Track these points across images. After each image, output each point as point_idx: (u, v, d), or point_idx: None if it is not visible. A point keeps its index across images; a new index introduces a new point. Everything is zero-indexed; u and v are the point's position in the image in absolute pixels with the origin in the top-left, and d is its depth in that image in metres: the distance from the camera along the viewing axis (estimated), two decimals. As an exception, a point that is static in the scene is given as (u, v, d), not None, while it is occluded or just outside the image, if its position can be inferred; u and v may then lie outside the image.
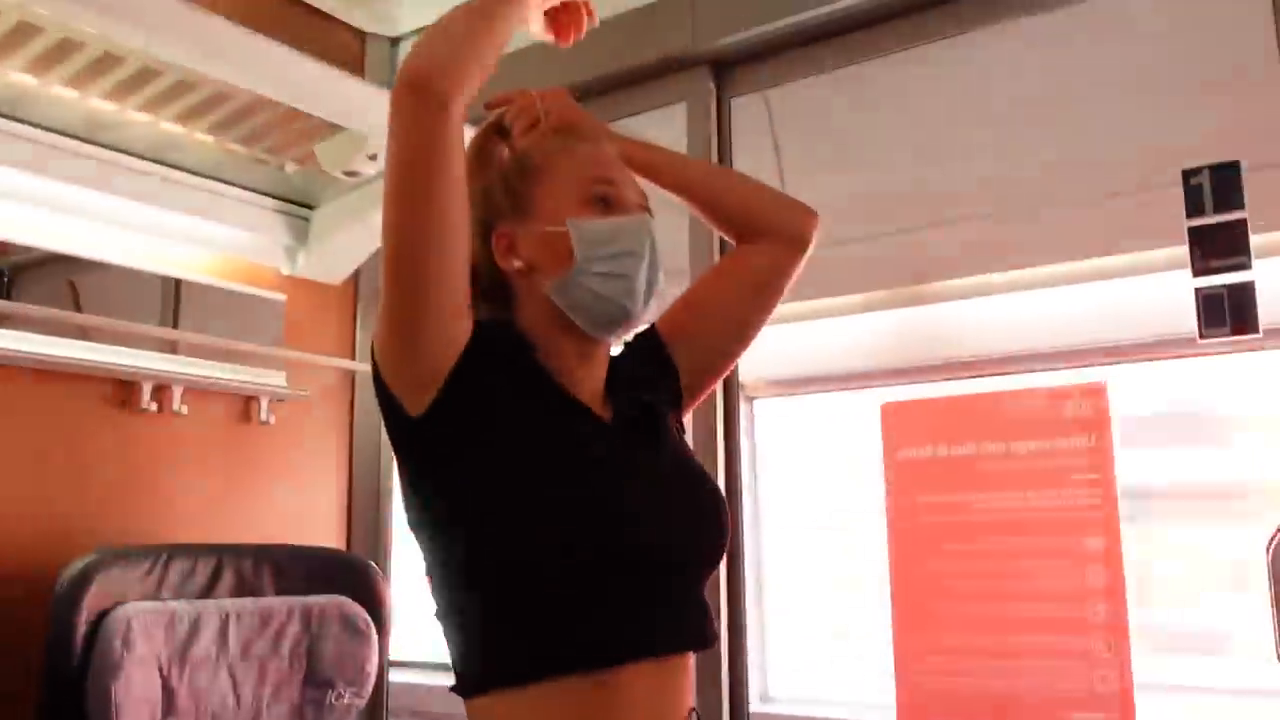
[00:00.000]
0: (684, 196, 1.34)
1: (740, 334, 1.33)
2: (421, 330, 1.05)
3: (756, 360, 2.29)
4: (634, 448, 1.15)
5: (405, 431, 1.08)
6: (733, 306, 1.31)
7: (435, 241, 1.03)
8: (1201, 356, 1.90)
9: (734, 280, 1.33)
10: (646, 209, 1.20)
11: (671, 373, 1.28)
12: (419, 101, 1.02)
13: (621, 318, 1.15)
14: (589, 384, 1.17)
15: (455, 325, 1.06)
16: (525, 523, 1.03)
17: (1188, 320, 1.76)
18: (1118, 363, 1.97)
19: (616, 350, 1.28)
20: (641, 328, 1.29)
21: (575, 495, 1.04)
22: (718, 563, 1.20)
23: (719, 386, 2.18)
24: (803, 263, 1.33)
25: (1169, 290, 1.85)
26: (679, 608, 1.10)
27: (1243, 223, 1.75)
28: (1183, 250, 1.79)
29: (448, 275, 1.05)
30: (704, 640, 1.12)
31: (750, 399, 2.40)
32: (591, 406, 1.15)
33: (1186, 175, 1.80)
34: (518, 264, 1.16)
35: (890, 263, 2.20)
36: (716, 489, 1.20)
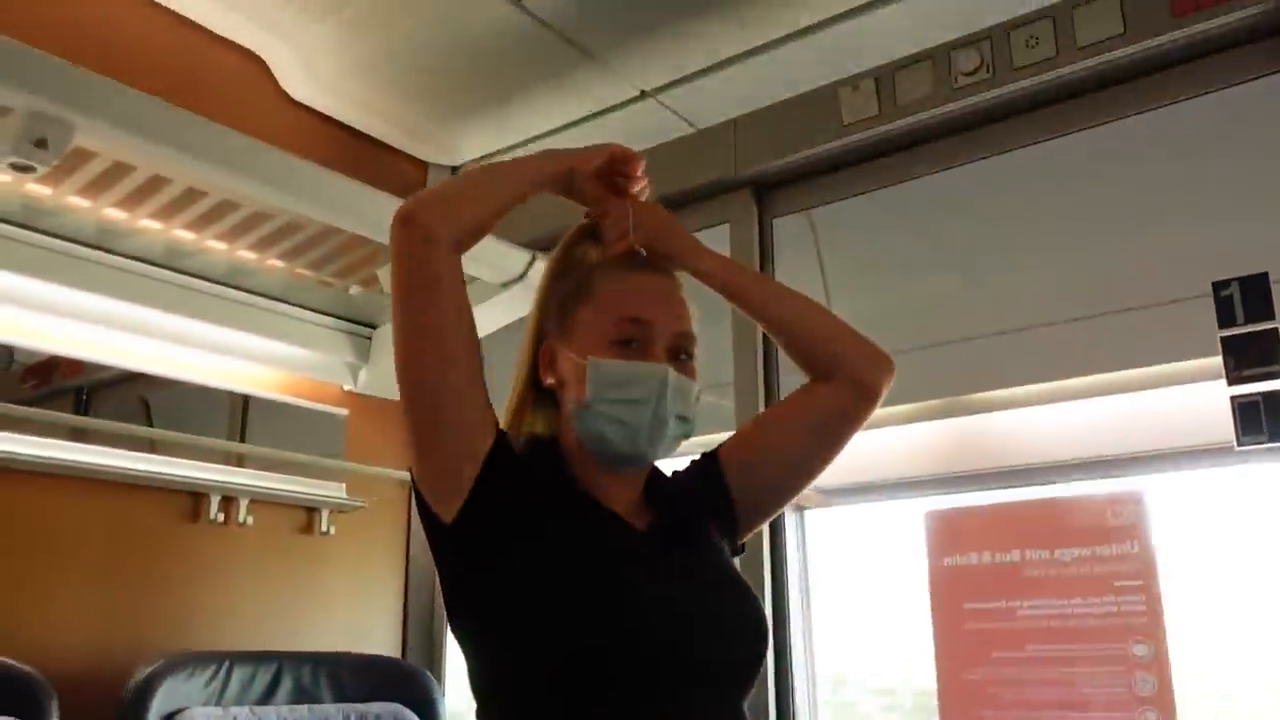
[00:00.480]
0: (764, 325, 1.34)
1: (796, 475, 1.32)
2: (438, 445, 1.13)
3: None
4: (663, 554, 1.16)
5: (439, 538, 1.15)
6: (793, 447, 1.30)
7: (436, 366, 1.12)
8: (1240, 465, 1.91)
9: (800, 420, 1.31)
10: (682, 355, 1.21)
11: (724, 497, 1.28)
12: (406, 233, 1.14)
13: (621, 460, 1.19)
14: (623, 494, 1.21)
15: (471, 439, 1.13)
16: (540, 627, 1.07)
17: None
18: (1160, 471, 1.98)
19: (671, 464, 1.30)
20: (697, 452, 1.32)
21: (591, 598, 1.07)
22: (750, 677, 1.17)
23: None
24: (870, 415, 1.30)
25: (1209, 399, 1.88)
26: (701, 714, 1.09)
27: (1274, 332, 1.78)
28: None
29: (453, 395, 1.12)
30: None
31: (800, 508, 2.43)
32: (623, 515, 1.18)
33: (1217, 287, 1.85)
34: (550, 380, 1.23)
35: (932, 374, 2.25)
36: (754, 601, 1.19)
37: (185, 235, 2.04)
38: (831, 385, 1.28)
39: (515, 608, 1.09)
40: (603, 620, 1.05)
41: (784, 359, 2.33)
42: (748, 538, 1.34)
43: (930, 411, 2.27)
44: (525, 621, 1.08)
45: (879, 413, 2.42)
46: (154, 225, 1.99)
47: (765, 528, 2.26)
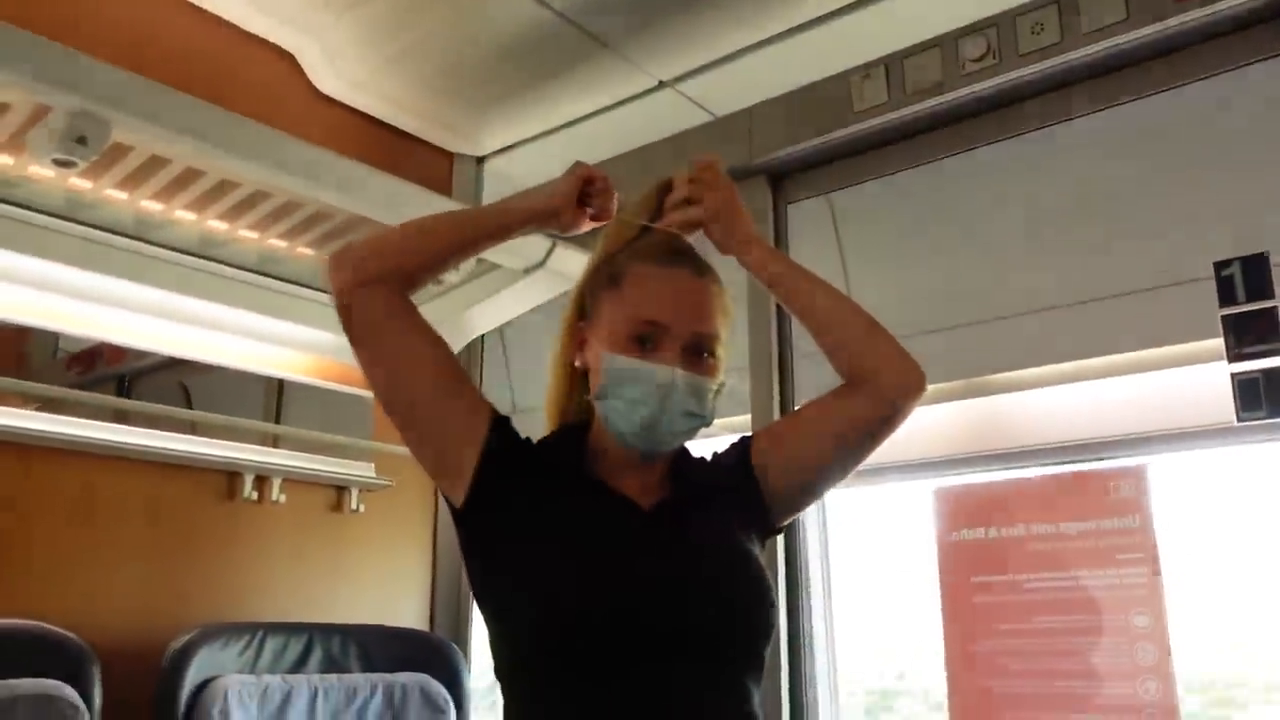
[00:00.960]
0: (805, 325, 1.33)
1: (822, 478, 1.32)
2: (429, 453, 1.23)
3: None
4: (662, 531, 1.20)
5: (457, 521, 1.23)
6: (818, 452, 1.30)
7: (400, 398, 1.22)
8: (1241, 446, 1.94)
9: (827, 427, 1.30)
10: (701, 353, 1.22)
11: (753, 485, 1.29)
12: (331, 281, 1.22)
13: (630, 446, 1.22)
14: (640, 476, 1.25)
15: (458, 444, 1.21)
16: (527, 603, 1.14)
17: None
18: (1162, 451, 2.01)
19: (711, 444, 1.35)
20: (736, 437, 1.35)
21: (571, 575, 1.12)
22: (748, 651, 1.18)
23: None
24: (890, 434, 1.29)
25: (1210, 380, 1.91)
26: (694, 693, 1.12)
27: (1273, 310, 1.82)
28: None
29: (426, 417, 1.21)
30: None
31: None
32: (634, 496, 1.23)
33: (1218, 267, 1.88)
34: (578, 363, 1.29)
35: (949, 356, 2.28)
36: (753, 574, 1.21)
37: (219, 225, 2.12)
38: (860, 397, 1.27)
39: (509, 585, 1.17)
40: (581, 595, 1.11)
41: (798, 341, 2.41)
42: (786, 522, 1.36)
43: (947, 394, 2.31)
44: (515, 598, 1.15)
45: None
46: (189, 216, 2.07)
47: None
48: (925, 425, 2.42)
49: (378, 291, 1.21)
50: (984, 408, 2.30)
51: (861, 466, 2.31)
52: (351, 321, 1.22)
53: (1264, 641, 1.88)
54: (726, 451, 1.35)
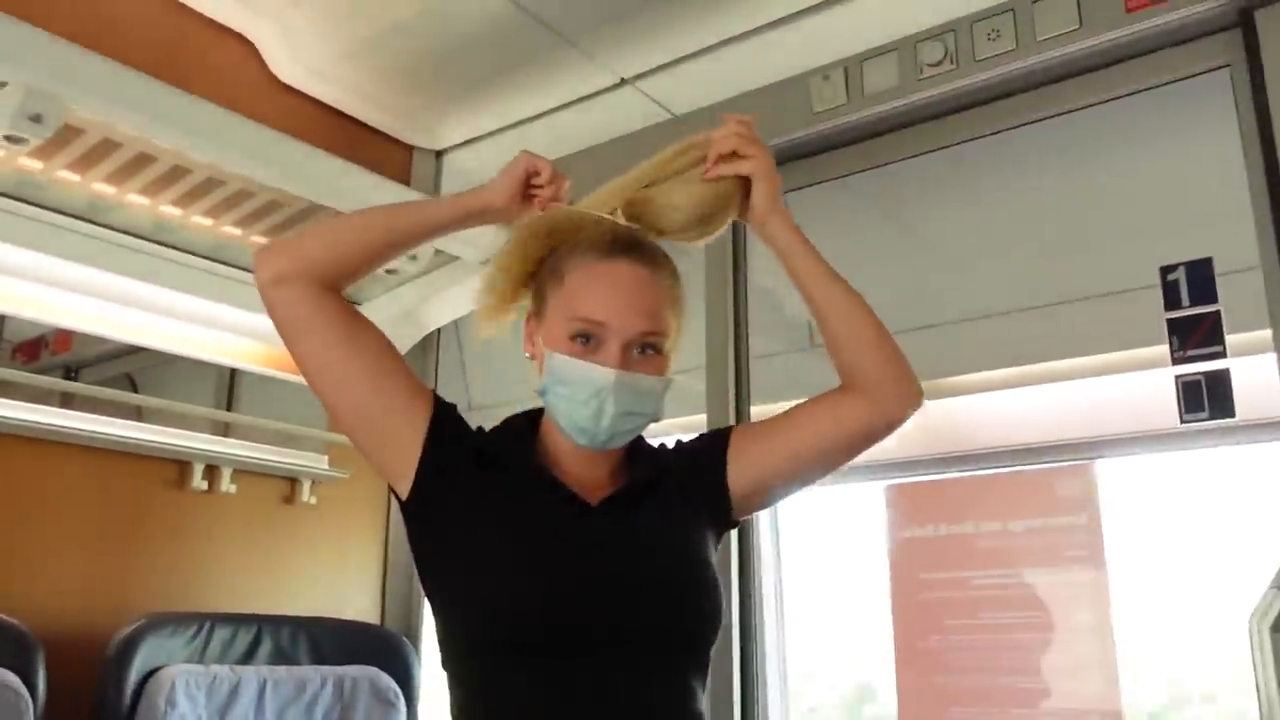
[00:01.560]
0: (814, 307, 1.28)
1: (800, 477, 1.30)
2: (365, 441, 1.23)
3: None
4: (604, 525, 1.20)
5: (405, 516, 1.23)
6: (791, 453, 1.27)
7: (331, 393, 1.22)
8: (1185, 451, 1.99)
9: (813, 425, 1.27)
10: (644, 350, 1.20)
11: (719, 479, 1.28)
12: (257, 277, 1.21)
13: (574, 440, 1.21)
14: (590, 469, 1.24)
15: (397, 438, 1.21)
16: (464, 598, 1.15)
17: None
18: (1110, 455, 2.05)
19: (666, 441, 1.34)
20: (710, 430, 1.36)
21: (504, 571, 1.13)
22: (688, 647, 1.18)
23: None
24: (871, 446, 1.27)
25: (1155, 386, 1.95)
26: (635, 689, 1.12)
27: (1217, 314, 1.86)
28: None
29: (360, 413, 1.22)
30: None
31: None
32: (580, 489, 1.22)
33: (1164, 271, 1.93)
34: (528, 352, 1.29)
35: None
36: (698, 571, 1.20)
37: (172, 210, 2.10)
38: (858, 402, 1.24)
39: (454, 579, 1.17)
40: (522, 592, 1.12)
41: (753, 343, 2.43)
42: (743, 518, 1.35)
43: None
44: (459, 593, 1.16)
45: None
46: (142, 200, 2.05)
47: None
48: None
49: (294, 288, 1.20)
50: (936, 410, 2.33)
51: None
52: (274, 318, 1.22)
53: (1207, 642, 1.93)
54: (699, 439, 1.35)
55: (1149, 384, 1.99)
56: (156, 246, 2.17)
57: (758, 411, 2.36)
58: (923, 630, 2.04)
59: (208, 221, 2.16)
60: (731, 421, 2.32)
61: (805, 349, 2.45)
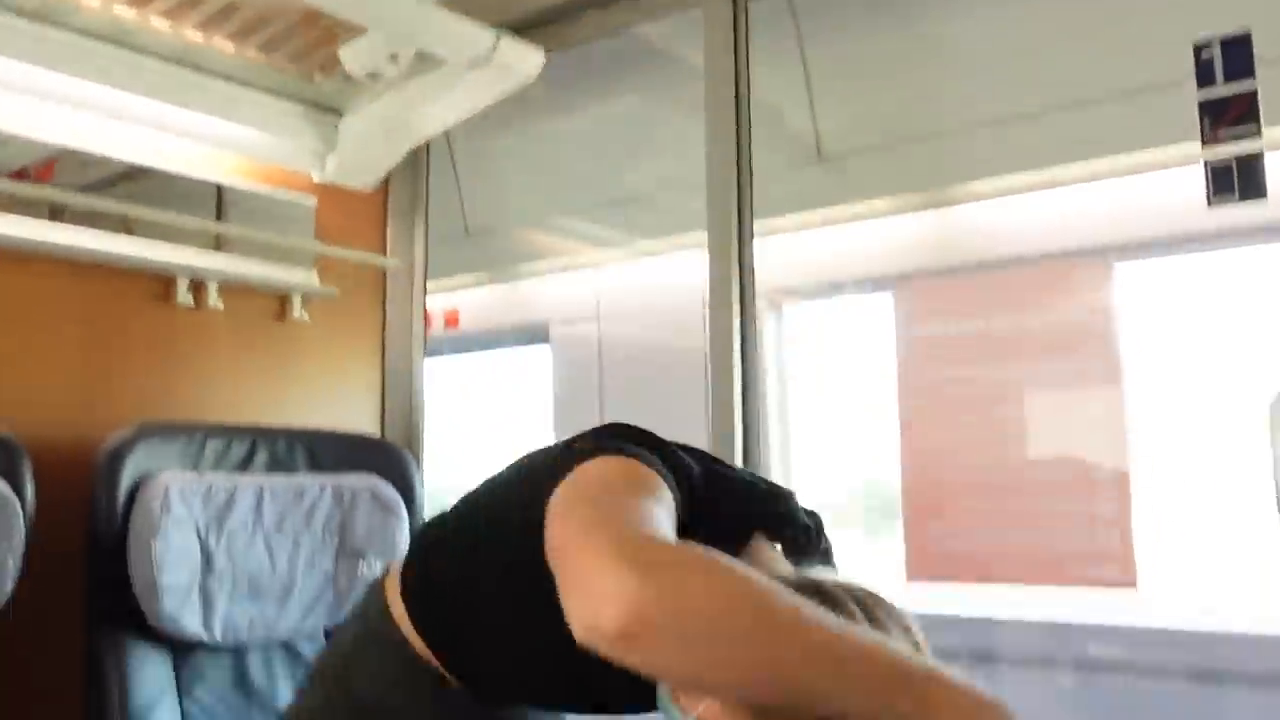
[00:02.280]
0: None
1: None
2: None
3: (778, 267, 2.32)
4: None
5: None
6: None
7: None
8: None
9: None
10: None
11: None
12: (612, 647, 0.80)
13: None
14: None
15: None
16: None
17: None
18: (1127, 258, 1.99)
19: None
20: None
21: None
22: None
23: (734, 296, 2.18)
24: None
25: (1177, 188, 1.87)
26: None
27: (1253, 93, 1.75)
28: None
29: None
30: None
31: (778, 305, 2.42)
32: None
33: (1197, 49, 1.81)
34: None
35: (913, 168, 2.22)
36: None
37: (164, 25, 1.97)
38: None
39: None
40: None
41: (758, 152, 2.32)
42: None
43: (912, 204, 2.26)
44: None
45: (852, 208, 2.41)
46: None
47: (734, 329, 2.23)
48: (885, 238, 2.37)
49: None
50: (947, 219, 2.25)
51: (821, 281, 2.24)
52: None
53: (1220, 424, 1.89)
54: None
55: (1173, 187, 1.91)
56: (128, 52, 2.04)
57: (760, 228, 2.27)
58: (929, 426, 2.00)
59: (200, 36, 2.04)
60: (733, 242, 2.22)
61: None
